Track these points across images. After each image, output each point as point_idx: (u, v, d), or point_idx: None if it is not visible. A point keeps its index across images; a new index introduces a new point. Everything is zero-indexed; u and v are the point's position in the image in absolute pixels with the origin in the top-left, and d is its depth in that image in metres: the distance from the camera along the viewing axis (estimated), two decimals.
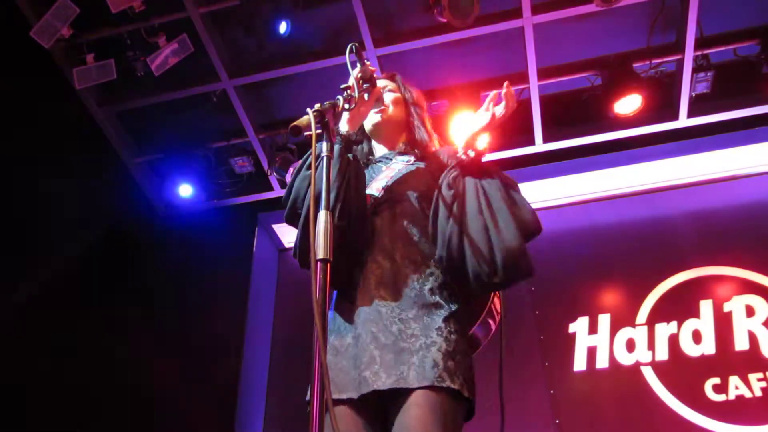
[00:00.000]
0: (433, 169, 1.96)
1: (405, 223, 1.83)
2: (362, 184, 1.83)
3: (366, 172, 1.98)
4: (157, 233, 4.98)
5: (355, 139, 1.88)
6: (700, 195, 4.60)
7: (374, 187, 1.91)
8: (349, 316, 1.74)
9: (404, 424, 1.55)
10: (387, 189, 1.90)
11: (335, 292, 1.84)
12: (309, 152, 1.54)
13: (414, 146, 2.08)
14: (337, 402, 1.63)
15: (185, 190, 4.66)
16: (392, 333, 1.64)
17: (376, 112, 2.06)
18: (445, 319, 1.68)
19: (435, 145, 2.13)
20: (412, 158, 2.02)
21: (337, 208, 1.68)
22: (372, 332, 1.66)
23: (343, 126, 1.83)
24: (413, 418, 1.54)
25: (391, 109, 2.09)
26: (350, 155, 1.83)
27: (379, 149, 2.13)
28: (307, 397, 1.74)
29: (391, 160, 2.03)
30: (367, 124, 2.10)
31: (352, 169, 1.78)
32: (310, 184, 1.48)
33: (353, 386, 1.62)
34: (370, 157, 2.11)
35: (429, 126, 2.15)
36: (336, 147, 1.73)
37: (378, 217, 1.85)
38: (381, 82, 2.15)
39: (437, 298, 1.71)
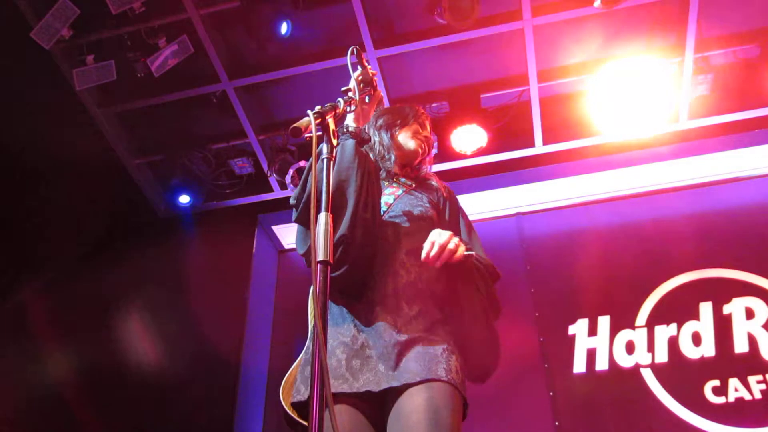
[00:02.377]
0: (432, 201, 2.08)
1: (416, 241, 1.87)
2: (379, 181, 1.89)
3: None
4: (156, 234, 4.98)
5: (364, 136, 1.90)
6: (699, 197, 4.60)
7: (382, 200, 1.96)
8: (364, 318, 1.77)
9: (414, 402, 1.61)
10: (395, 205, 1.96)
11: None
12: (319, 149, 1.56)
13: (410, 174, 2.18)
14: (341, 395, 1.66)
15: (184, 199, 4.69)
16: (414, 340, 1.72)
17: (416, 145, 2.17)
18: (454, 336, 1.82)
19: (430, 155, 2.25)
20: (412, 183, 2.12)
21: (362, 200, 1.73)
22: (396, 340, 1.71)
23: (352, 123, 1.87)
24: (427, 398, 1.61)
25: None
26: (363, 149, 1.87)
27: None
28: (294, 399, 1.75)
29: (393, 180, 2.09)
30: (405, 145, 2.18)
31: (370, 163, 1.83)
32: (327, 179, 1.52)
33: (372, 382, 1.66)
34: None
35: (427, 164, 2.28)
36: (350, 141, 1.80)
37: (389, 230, 1.90)
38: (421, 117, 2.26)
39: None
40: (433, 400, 1.60)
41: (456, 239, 1.79)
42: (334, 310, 1.83)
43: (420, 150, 2.17)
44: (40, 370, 4.42)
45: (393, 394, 1.66)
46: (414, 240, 1.88)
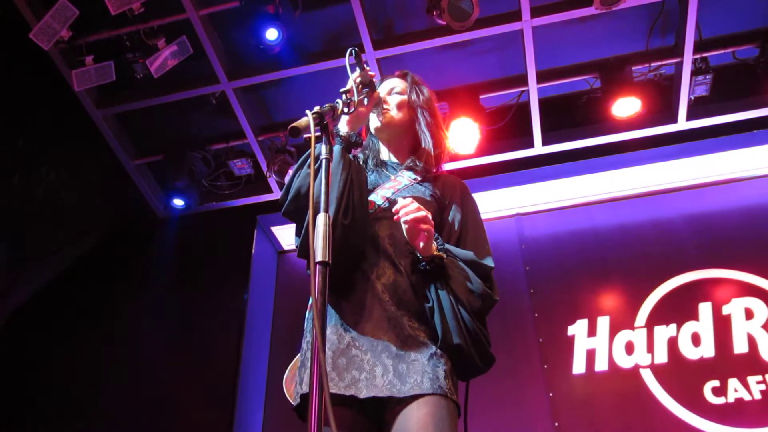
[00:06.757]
0: (436, 196, 1.97)
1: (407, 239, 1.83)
2: (365, 185, 1.84)
3: (372, 174, 1.99)
4: (156, 235, 4.98)
5: (355, 140, 1.87)
6: (698, 198, 4.60)
7: (379, 195, 1.92)
8: (350, 317, 1.74)
9: (415, 419, 1.59)
10: (392, 201, 1.90)
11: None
12: (308, 152, 1.54)
13: (420, 157, 2.06)
14: (335, 397, 1.64)
15: (182, 200, 4.70)
16: (402, 341, 1.69)
17: (378, 116, 2.05)
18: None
19: (444, 150, 2.12)
20: (418, 177, 2.01)
21: (342, 206, 1.69)
22: (383, 340, 1.69)
23: (343, 127, 1.84)
24: (426, 414, 1.59)
25: (394, 113, 2.06)
26: (351, 156, 1.83)
27: (385, 152, 2.13)
28: (294, 403, 1.74)
29: (397, 171, 2.03)
30: (371, 127, 2.10)
31: (354, 169, 1.79)
32: (313, 179, 1.48)
33: (357, 385, 1.64)
34: (379, 157, 2.10)
35: (435, 130, 2.10)
36: (336, 147, 1.76)
37: (381, 226, 1.86)
38: (390, 82, 2.14)
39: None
40: (428, 417, 1.58)
41: (423, 213, 1.72)
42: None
43: (379, 122, 2.04)
44: (39, 370, 4.42)
45: (380, 403, 1.65)
46: (403, 239, 1.82)
